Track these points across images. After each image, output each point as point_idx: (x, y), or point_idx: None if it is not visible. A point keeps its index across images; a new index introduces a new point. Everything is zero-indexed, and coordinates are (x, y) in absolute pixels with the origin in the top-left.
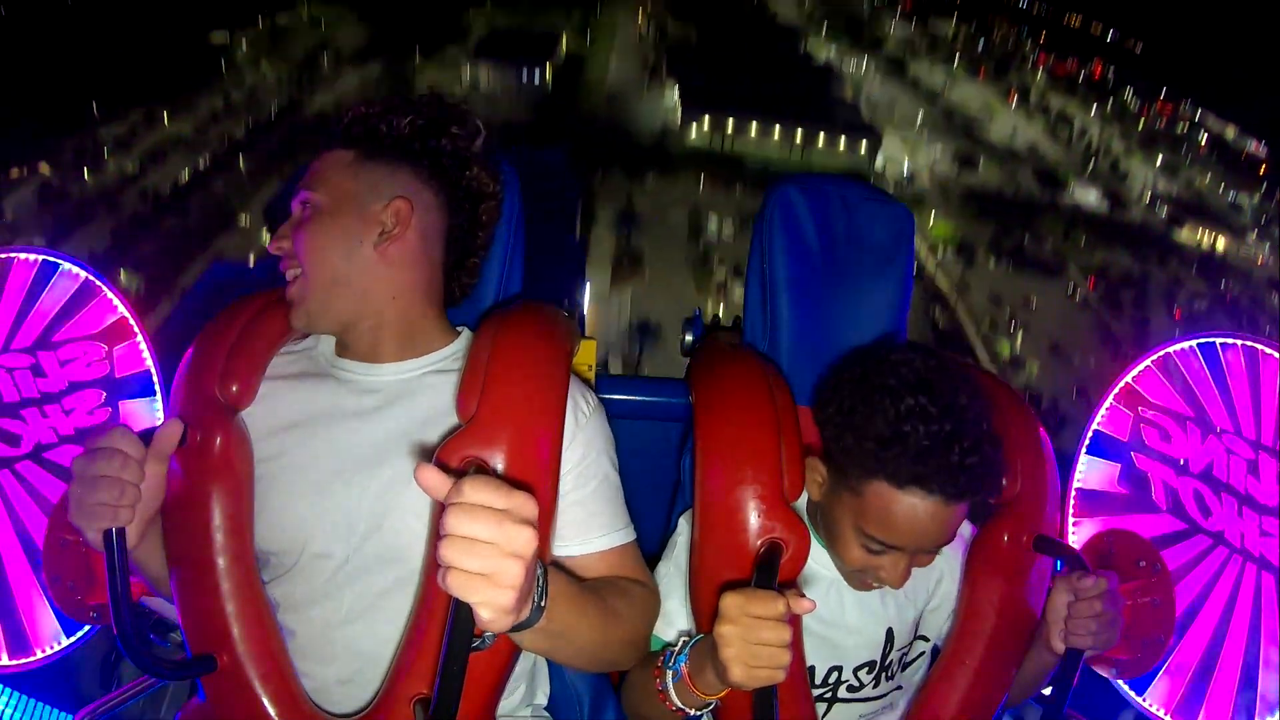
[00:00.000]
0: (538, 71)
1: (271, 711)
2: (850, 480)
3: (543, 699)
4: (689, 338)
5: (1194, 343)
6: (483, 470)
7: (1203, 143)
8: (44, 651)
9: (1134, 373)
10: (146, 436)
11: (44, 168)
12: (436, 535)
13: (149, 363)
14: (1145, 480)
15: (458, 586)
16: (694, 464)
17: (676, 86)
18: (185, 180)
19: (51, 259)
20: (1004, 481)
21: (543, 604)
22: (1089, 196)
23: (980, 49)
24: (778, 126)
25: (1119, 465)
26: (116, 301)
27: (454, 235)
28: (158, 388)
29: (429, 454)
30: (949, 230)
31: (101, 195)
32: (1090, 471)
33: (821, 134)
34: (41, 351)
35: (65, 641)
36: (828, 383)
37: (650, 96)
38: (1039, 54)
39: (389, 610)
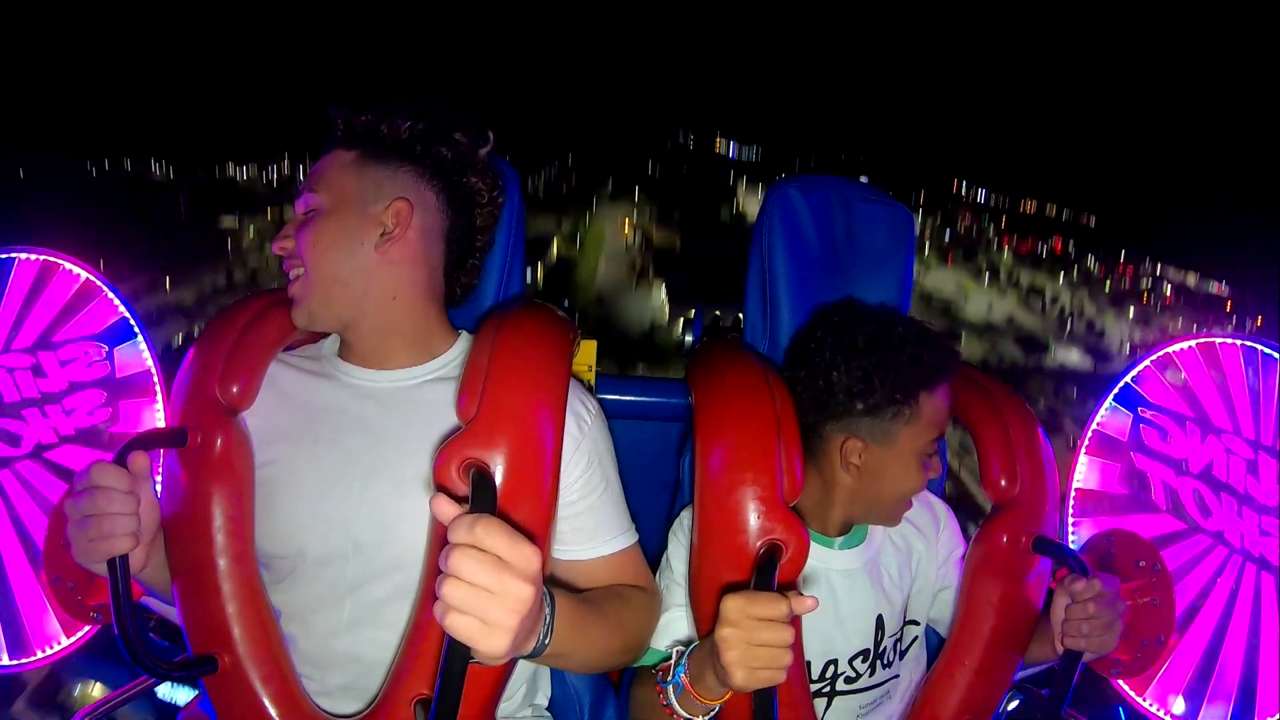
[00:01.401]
0: (529, 271)
1: (272, 712)
2: (905, 413)
3: (543, 700)
4: (689, 338)
5: (1194, 343)
6: (485, 475)
7: (1168, 293)
8: (44, 651)
9: (1134, 373)
10: (146, 438)
11: None
12: (437, 543)
13: (149, 363)
14: (1145, 480)
15: (452, 626)
16: (693, 464)
17: (664, 285)
18: (179, 343)
19: (52, 259)
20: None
21: (546, 641)
22: (1071, 356)
23: (947, 239)
24: None
25: (1119, 465)
26: (117, 302)
27: (454, 236)
28: (158, 388)
29: (430, 457)
30: None
31: None
32: (1090, 471)
33: None
34: (42, 351)
35: (65, 641)
36: (826, 387)
37: (638, 295)
38: (1002, 237)
39: (389, 617)
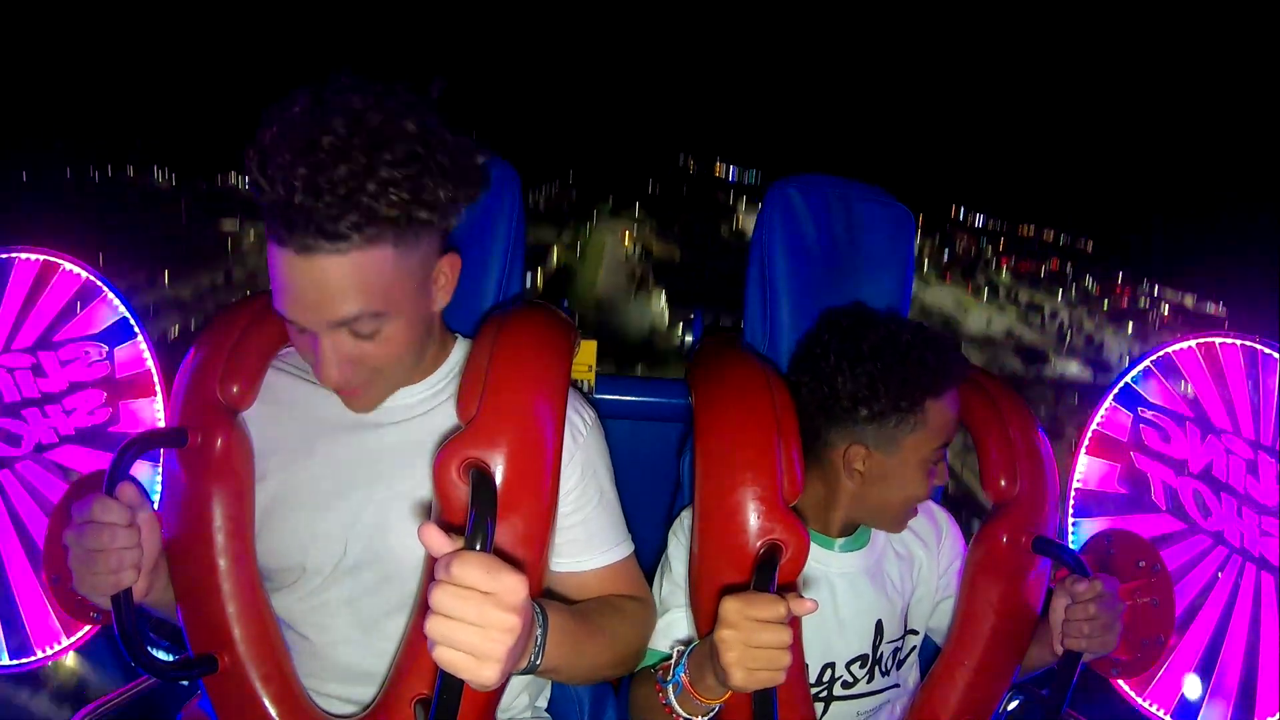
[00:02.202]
0: (529, 276)
1: (273, 712)
2: (911, 419)
3: (543, 701)
4: (689, 338)
5: (1194, 343)
6: (485, 475)
7: (1166, 312)
8: (44, 651)
9: (1134, 372)
10: (146, 438)
11: None
12: (432, 560)
13: (149, 363)
14: (1145, 480)
15: (443, 660)
16: (693, 464)
17: (664, 292)
18: (174, 335)
19: (53, 259)
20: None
21: (538, 661)
22: (1071, 368)
23: (945, 259)
24: None
25: (1119, 465)
26: (117, 301)
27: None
28: (158, 388)
29: (426, 471)
30: None
31: None
32: (1090, 471)
33: None
34: (42, 351)
35: (65, 641)
36: (830, 394)
37: (638, 303)
38: (1000, 258)
39: (389, 629)
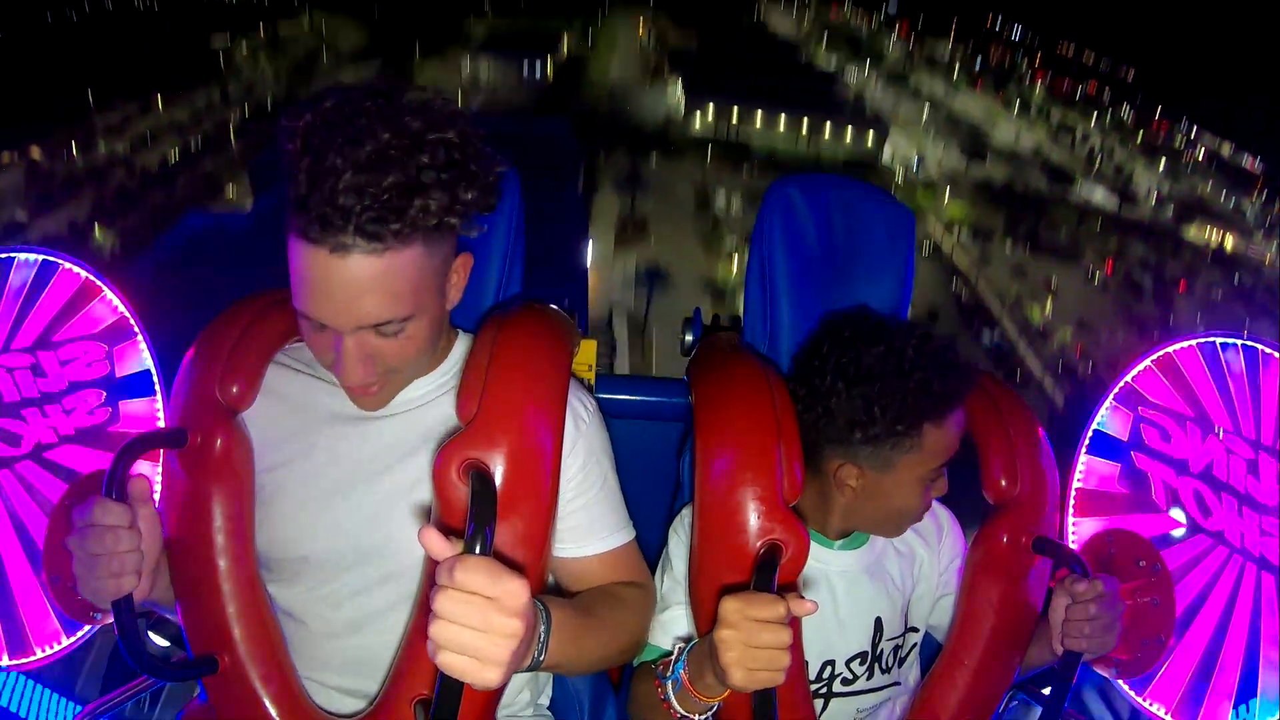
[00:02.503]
0: (539, 65)
1: (273, 712)
2: (906, 443)
3: (544, 700)
4: (689, 338)
5: (1194, 342)
6: (485, 475)
7: (1200, 156)
8: (44, 651)
9: (1134, 372)
10: (146, 438)
11: (34, 151)
12: (433, 562)
13: (149, 363)
14: (1145, 480)
15: (446, 664)
16: (693, 464)
17: (680, 81)
18: (175, 159)
19: (52, 259)
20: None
21: (541, 658)
22: (1096, 194)
23: (978, 67)
24: (783, 116)
25: (1119, 465)
26: (117, 301)
27: None
28: (158, 388)
29: (430, 457)
30: (963, 211)
31: (90, 173)
32: (1090, 471)
33: (828, 124)
34: (41, 351)
35: (65, 641)
36: (824, 397)
37: (653, 92)
38: (1035, 73)
39: (390, 622)
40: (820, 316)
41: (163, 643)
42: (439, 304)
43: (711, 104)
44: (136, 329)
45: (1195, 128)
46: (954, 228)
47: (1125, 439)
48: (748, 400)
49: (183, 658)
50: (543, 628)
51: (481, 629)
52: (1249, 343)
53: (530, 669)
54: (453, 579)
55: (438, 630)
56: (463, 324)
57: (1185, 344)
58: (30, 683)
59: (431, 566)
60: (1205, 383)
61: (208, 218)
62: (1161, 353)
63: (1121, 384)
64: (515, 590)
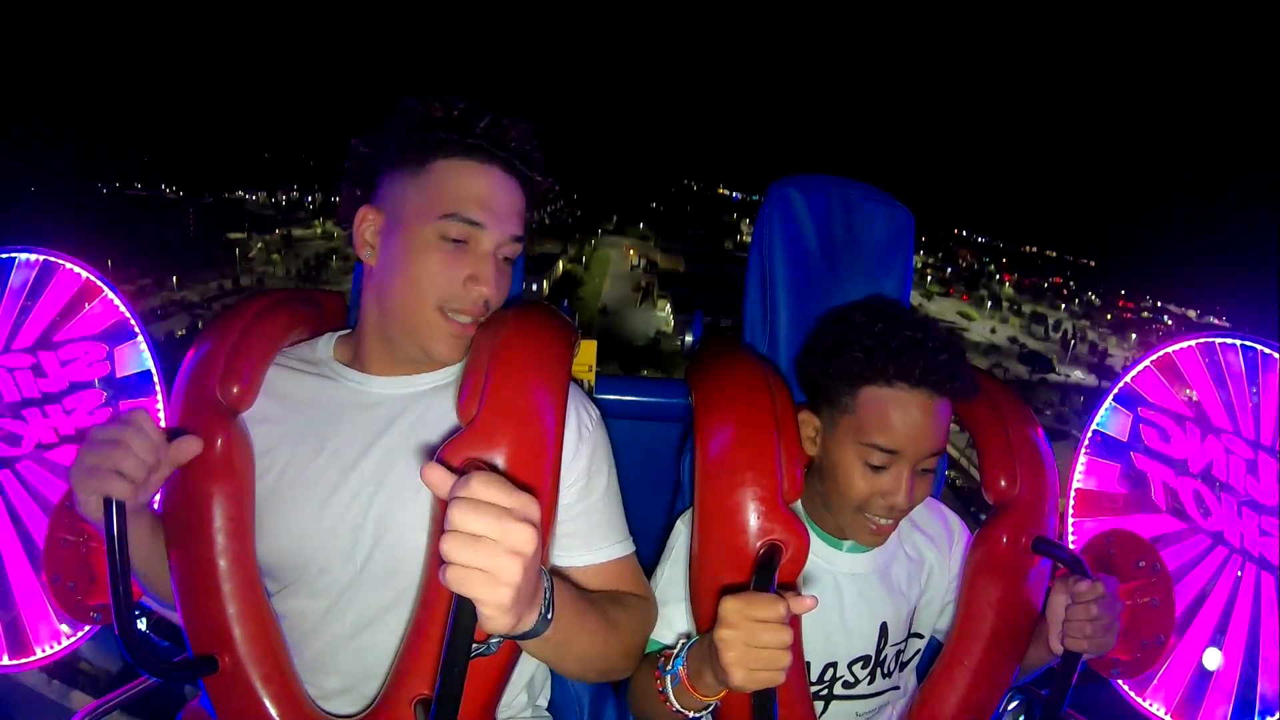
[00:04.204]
0: (534, 285)
1: (273, 712)
2: (843, 401)
3: (543, 701)
4: (689, 338)
5: (1194, 343)
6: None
7: (1169, 323)
8: (44, 651)
9: (1134, 373)
10: None
11: None
12: (439, 534)
13: (149, 363)
14: (1145, 480)
15: (456, 581)
16: (693, 465)
17: (669, 301)
18: (181, 334)
19: (53, 259)
20: (977, 383)
21: (549, 615)
22: (1075, 373)
23: (948, 273)
24: None
25: (1119, 465)
26: (117, 302)
27: None
28: (158, 388)
29: (430, 457)
30: None
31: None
32: (1090, 471)
33: None
34: (42, 351)
35: (65, 641)
36: (806, 346)
37: (642, 312)
38: (1003, 273)
39: (391, 623)
40: (820, 317)
41: (163, 643)
42: None
43: (695, 310)
44: (137, 329)
45: (1159, 302)
46: None
47: (1125, 439)
48: (748, 400)
49: (183, 658)
50: (547, 583)
51: (495, 537)
52: (1249, 343)
53: (538, 633)
54: (469, 488)
55: (449, 543)
56: None
57: (1185, 344)
58: (30, 683)
59: (433, 563)
60: (1205, 383)
61: None
62: (1161, 353)
63: (1121, 384)
64: (528, 501)
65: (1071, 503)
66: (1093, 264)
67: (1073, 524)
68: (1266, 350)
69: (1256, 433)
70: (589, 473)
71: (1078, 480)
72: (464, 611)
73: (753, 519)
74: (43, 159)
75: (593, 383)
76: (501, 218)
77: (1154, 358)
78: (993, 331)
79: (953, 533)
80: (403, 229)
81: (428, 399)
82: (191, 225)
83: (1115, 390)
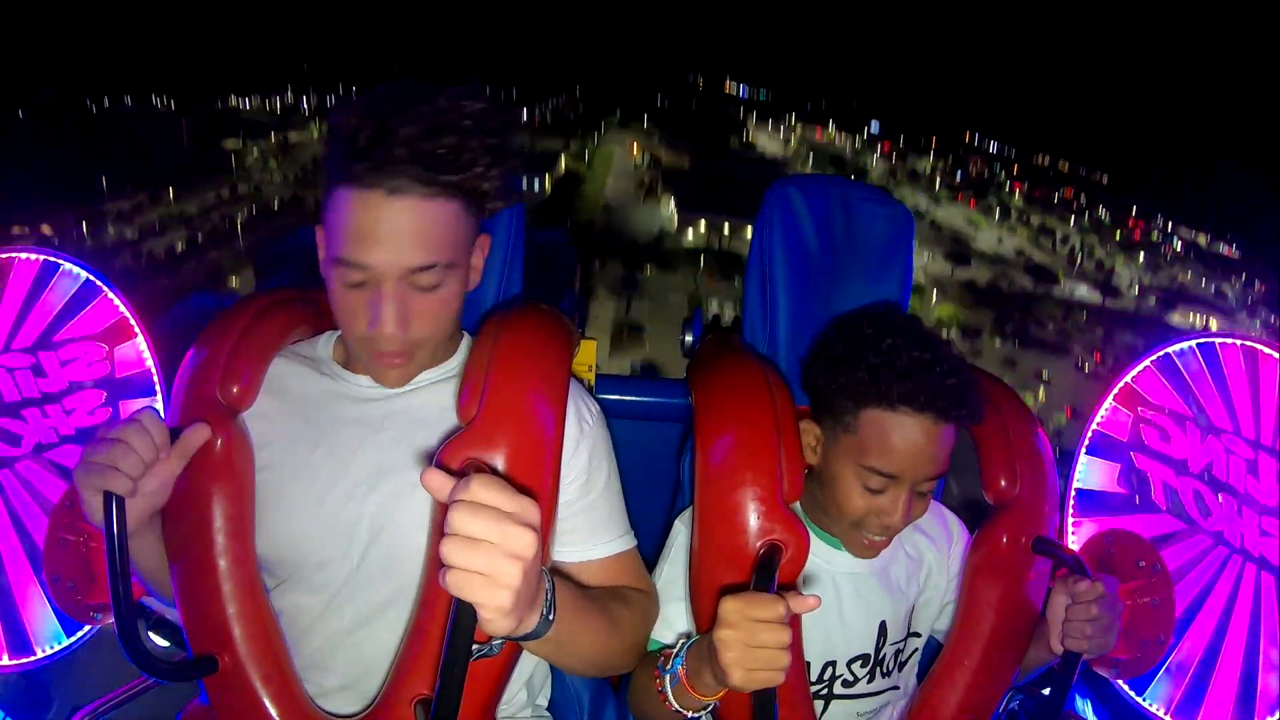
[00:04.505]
0: (538, 181)
1: (273, 712)
2: (845, 419)
3: (543, 700)
4: (689, 338)
5: (1194, 343)
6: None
7: (1178, 247)
8: (44, 651)
9: (1134, 373)
10: None
11: (45, 228)
12: (439, 536)
13: (149, 363)
14: (1145, 480)
15: (456, 585)
16: (693, 465)
17: (673, 198)
18: (181, 248)
19: (53, 259)
20: (983, 409)
21: (551, 617)
22: (1080, 290)
23: (958, 179)
24: None
25: (1119, 465)
26: (117, 302)
27: None
28: (158, 388)
29: (429, 462)
30: (951, 311)
31: (97, 254)
32: (1090, 471)
33: None
34: (42, 351)
35: (65, 641)
36: (812, 352)
37: (647, 207)
38: (1013, 182)
39: (390, 620)
40: (820, 317)
41: (163, 643)
42: (466, 272)
43: (703, 220)
44: (137, 329)
45: (1170, 223)
46: (943, 327)
47: (1125, 439)
48: (748, 400)
49: (183, 658)
50: (548, 583)
51: (495, 540)
52: (1249, 343)
53: (539, 634)
54: (469, 491)
55: (450, 547)
56: (464, 325)
57: (1185, 344)
58: (30, 683)
59: (433, 561)
60: (1205, 383)
61: (211, 298)
62: (1161, 353)
63: (1121, 384)
64: (529, 505)
65: (1071, 503)
66: (1105, 179)
67: (1073, 524)
68: (1266, 350)
69: (1256, 433)
70: (590, 468)
71: (1078, 480)
72: (464, 614)
73: (753, 519)
74: (28, 80)
75: (593, 382)
76: (388, 249)
77: (1154, 357)
78: (1000, 241)
79: (952, 533)
80: (322, 263)
81: (425, 394)
82: (185, 136)
83: (1115, 390)
